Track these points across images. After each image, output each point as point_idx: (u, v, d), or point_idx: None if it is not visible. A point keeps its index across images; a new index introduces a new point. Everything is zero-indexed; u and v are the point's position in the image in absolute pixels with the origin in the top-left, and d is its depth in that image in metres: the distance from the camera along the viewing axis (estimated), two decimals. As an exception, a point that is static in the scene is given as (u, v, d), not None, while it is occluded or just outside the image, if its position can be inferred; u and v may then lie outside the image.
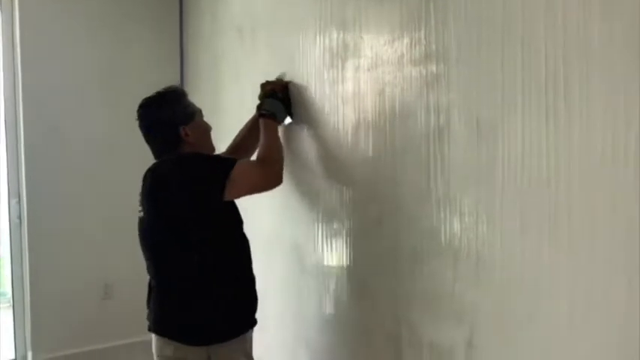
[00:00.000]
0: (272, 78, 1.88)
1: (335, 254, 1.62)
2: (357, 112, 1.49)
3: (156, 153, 1.68)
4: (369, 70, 1.43)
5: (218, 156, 1.72)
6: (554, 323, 0.96)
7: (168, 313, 1.61)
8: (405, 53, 1.29)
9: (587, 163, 0.90)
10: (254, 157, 1.73)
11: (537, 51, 0.97)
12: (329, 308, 1.66)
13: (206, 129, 1.74)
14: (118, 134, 2.82)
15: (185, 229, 1.55)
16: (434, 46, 1.20)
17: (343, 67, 1.55)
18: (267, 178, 1.64)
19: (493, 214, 1.05)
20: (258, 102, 1.82)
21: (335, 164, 1.61)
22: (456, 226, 1.13)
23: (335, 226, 1.61)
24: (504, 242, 1.03)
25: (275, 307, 1.95)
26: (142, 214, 1.65)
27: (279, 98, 1.80)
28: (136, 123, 1.66)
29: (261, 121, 1.76)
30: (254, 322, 1.65)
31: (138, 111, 1.67)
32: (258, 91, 1.81)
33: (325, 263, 1.67)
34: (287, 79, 1.85)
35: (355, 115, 1.50)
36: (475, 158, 1.08)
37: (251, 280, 1.66)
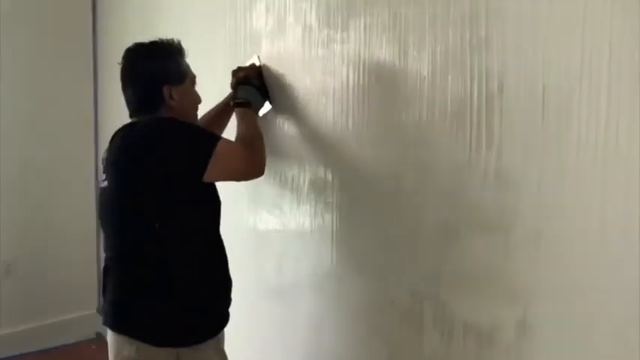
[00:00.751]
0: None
1: (336, 223, 1.51)
2: (365, 76, 1.37)
3: (131, 109, 1.46)
4: (384, 31, 1.31)
5: (201, 127, 1.49)
6: (624, 301, 0.90)
7: (130, 306, 1.40)
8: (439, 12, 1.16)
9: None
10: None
11: None
12: (331, 284, 1.55)
13: (194, 99, 1.55)
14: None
15: (155, 211, 1.35)
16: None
17: (346, 27, 1.41)
18: (252, 164, 1.45)
19: (561, 190, 0.97)
20: (229, 91, 1.69)
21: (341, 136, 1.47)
22: (510, 200, 1.05)
23: (340, 198, 1.50)
24: (574, 221, 0.96)
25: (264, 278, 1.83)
26: (104, 183, 1.42)
27: (255, 85, 1.65)
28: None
29: (236, 111, 1.58)
30: (228, 318, 1.50)
31: (124, 54, 1.44)
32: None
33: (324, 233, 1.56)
34: (260, 62, 1.71)
35: (362, 79, 1.38)
36: (539, 130, 0.99)
37: (227, 272, 1.51)
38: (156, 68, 1.44)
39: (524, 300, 1.04)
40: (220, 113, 1.76)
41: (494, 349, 1.10)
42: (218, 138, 1.38)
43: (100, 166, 1.55)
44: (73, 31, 3.24)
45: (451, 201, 1.17)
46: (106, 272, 1.47)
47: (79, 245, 3.38)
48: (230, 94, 1.71)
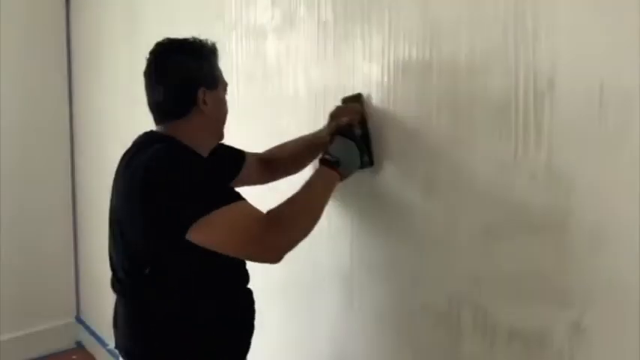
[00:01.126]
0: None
1: (356, 225, 1.46)
2: (392, 72, 1.31)
3: (157, 112, 1.30)
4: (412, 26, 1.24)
5: (210, 173, 1.20)
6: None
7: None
8: None
9: None
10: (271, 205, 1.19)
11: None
12: (352, 289, 1.50)
13: (225, 109, 1.35)
14: None
15: (144, 254, 1.21)
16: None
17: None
18: (260, 247, 1.13)
19: (620, 190, 0.94)
20: (322, 131, 1.42)
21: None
22: (562, 200, 1.01)
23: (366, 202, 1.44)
24: (634, 221, 0.92)
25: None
26: (112, 200, 1.30)
27: (356, 138, 1.32)
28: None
29: (319, 167, 1.29)
30: None
31: (153, 49, 1.30)
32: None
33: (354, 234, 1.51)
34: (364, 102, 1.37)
35: (389, 76, 1.32)
36: (596, 129, 0.96)
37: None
38: (192, 67, 1.27)
39: (579, 303, 1.01)
40: (308, 149, 1.49)
41: (545, 354, 1.06)
42: (233, 196, 1.15)
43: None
44: (46, 25, 3.08)
45: (493, 201, 1.13)
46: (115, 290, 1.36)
47: (56, 252, 3.24)
48: (322, 132, 1.43)
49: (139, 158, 1.20)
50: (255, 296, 1.36)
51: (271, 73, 1.71)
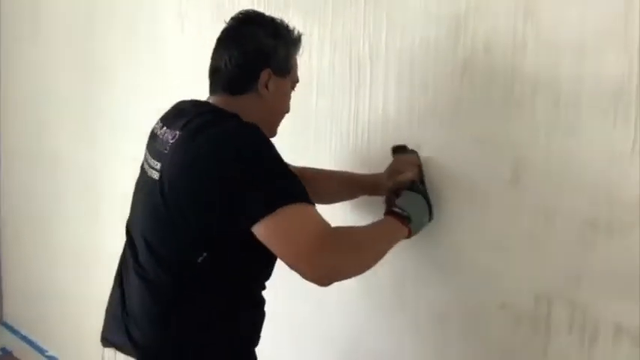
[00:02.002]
0: None
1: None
2: (471, 46, 1.18)
3: (215, 80, 1.19)
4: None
5: (283, 162, 1.08)
6: None
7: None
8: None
9: None
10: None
11: None
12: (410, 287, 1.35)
13: (286, 103, 1.25)
14: None
15: (202, 240, 1.09)
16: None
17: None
18: (322, 258, 1.02)
19: None
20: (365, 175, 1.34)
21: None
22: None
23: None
24: None
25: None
26: (154, 173, 1.13)
27: (426, 194, 1.24)
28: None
29: (388, 218, 1.18)
30: None
31: (235, 15, 1.17)
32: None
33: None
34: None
35: (468, 50, 1.19)
36: None
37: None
38: (265, 43, 1.16)
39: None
40: (349, 186, 1.40)
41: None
42: (302, 192, 1.04)
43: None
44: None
45: (601, 195, 1.05)
46: (120, 280, 1.22)
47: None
48: (367, 176, 1.37)
49: (210, 131, 1.07)
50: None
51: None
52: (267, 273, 1.21)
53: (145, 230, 1.15)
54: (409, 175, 1.24)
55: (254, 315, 1.22)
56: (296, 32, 1.22)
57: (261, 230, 1.01)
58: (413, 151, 1.30)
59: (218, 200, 1.03)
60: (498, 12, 1.14)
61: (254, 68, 1.15)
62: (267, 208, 1.00)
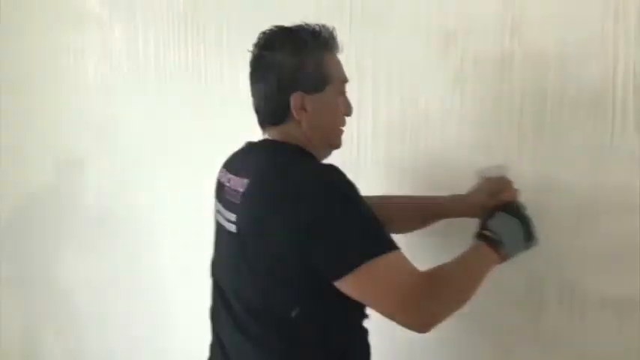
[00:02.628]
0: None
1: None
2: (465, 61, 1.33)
3: (259, 115, 1.15)
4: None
5: (367, 205, 1.01)
6: None
7: None
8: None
9: None
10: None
11: None
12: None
13: (336, 115, 1.14)
14: None
15: (294, 292, 1.04)
16: None
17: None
18: (415, 312, 0.97)
19: None
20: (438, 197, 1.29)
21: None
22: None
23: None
24: None
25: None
26: (230, 226, 1.08)
27: (524, 217, 1.14)
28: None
29: (477, 244, 1.10)
30: None
31: (257, 39, 1.13)
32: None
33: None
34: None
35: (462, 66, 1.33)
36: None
37: None
38: (287, 66, 1.07)
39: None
40: (421, 213, 1.31)
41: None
42: (389, 241, 0.98)
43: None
44: None
45: (586, 185, 1.20)
46: (216, 332, 1.18)
47: None
48: (439, 199, 1.29)
49: (285, 181, 1.01)
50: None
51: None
52: (363, 312, 1.13)
53: (233, 283, 1.11)
54: (505, 196, 1.15)
55: (361, 352, 1.15)
56: (325, 32, 1.11)
57: (349, 284, 0.96)
58: (501, 170, 1.22)
59: (298, 253, 0.98)
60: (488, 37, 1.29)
61: (282, 97, 1.08)
62: (359, 259, 0.95)
